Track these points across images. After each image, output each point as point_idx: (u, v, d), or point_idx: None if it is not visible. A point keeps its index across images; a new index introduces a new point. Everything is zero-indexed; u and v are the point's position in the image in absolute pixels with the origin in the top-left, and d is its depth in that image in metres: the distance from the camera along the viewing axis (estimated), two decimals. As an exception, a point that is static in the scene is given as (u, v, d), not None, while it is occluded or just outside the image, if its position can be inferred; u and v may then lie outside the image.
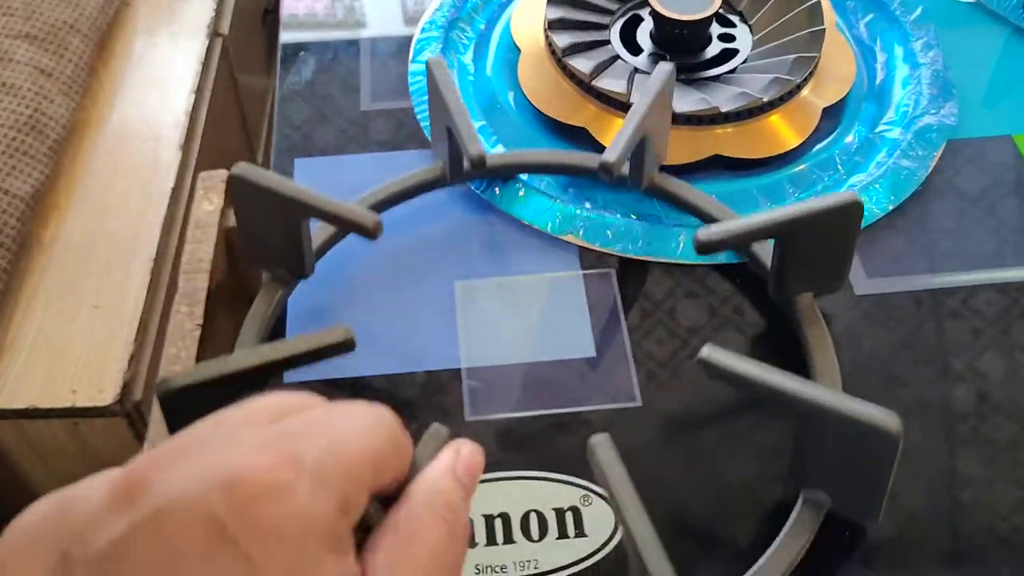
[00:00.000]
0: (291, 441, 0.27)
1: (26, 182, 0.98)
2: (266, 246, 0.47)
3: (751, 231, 0.44)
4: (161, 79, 1.16)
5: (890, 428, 0.37)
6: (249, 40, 1.40)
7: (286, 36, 0.65)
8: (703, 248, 0.44)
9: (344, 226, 0.45)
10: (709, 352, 0.40)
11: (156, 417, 0.82)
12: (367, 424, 0.29)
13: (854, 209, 0.44)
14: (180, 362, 0.88)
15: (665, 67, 0.50)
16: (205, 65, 1.19)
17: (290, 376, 0.45)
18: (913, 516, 0.43)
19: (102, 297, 0.96)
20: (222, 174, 1.03)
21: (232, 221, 1.00)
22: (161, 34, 1.22)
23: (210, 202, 0.98)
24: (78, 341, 0.93)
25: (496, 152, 0.56)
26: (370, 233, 0.44)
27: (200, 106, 1.16)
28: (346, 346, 0.40)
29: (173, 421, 0.39)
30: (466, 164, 0.51)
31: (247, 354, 0.39)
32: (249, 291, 1.15)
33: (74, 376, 0.91)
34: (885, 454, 0.38)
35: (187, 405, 0.39)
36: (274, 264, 0.48)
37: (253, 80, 1.41)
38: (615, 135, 0.48)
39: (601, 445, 0.37)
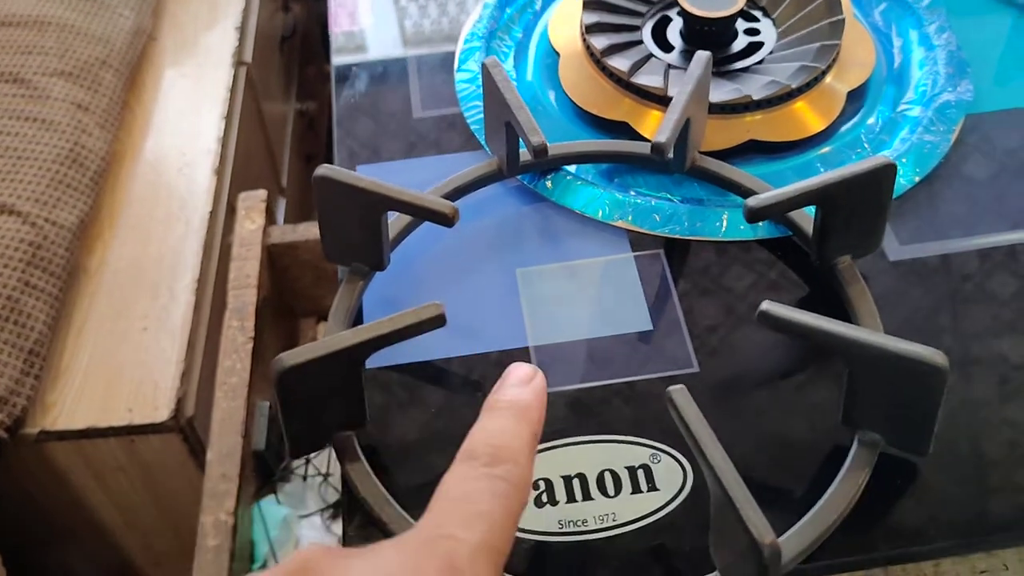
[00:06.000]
0: None
1: (72, 213, 1.02)
2: (347, 241, 0.51)
3: (795, 197, 0.48)
4: (191, 108, 1.20)
5: (938, 363, 0.41)
6: (269, 67, 1.45)
7: (338, 59, 0.69)
8: (753, 215, 0.48)
9: (423, 215, 0.48)
10: (769, 306, 0.43)
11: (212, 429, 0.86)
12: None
13: (888, 171, 0.48)
14: (236, 374, 0.92)
15: (703, 55, 0.54)
16: (232, 92, 1.23)
17: (375, 360, 0.49)
18: (961, 457, 0.47)
19: (150, 319, 1.00)
20: (261, 194, 1.07)
21: (273, 239, 1.04)
22: (188, 65, 1.26)
23: (252, 221, 1.02)
24: (130, 362, 0.96)
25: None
26: (448, 221, 0.47)
27: (230, 132, 1.20)
28: (438, 321, 0.44)
29: (286, 397, 0.43)
30: (528, 155, 0.55)
31: (352, 332, 0.43)
32: (291, 305, 1.19)
33: (129, 396, 0.95)
34: (933, 389, 0.42)
35: (298, 381, 0.43)
36: (355, 258, 0.52)
37: (273, 105, 1.46)
38: (660, 121, 0.52)
39: (679, 392, 0.41)
